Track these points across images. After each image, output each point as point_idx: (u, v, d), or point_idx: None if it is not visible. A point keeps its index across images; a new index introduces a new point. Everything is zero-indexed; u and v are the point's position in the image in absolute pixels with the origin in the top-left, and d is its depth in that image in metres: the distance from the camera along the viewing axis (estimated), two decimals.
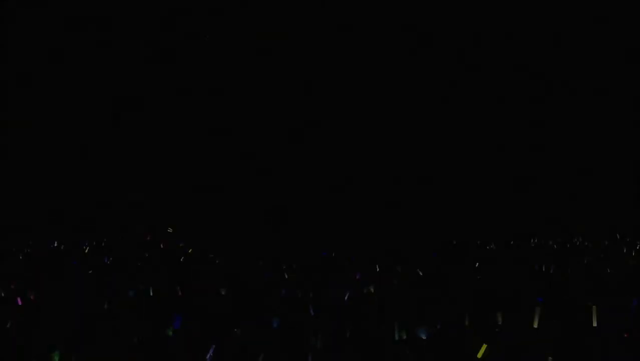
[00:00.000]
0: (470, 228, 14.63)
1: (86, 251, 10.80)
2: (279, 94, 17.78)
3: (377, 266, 8.78)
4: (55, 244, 12.32)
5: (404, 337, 4.66)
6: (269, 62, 17.52)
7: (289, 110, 17.76)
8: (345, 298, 6.18)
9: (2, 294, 6.35)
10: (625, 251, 10.79)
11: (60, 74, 16.83)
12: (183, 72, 17.56)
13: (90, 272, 8.37)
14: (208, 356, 4.25)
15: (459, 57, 17.19)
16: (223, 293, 6.54)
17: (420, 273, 8.25)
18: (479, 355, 4.30)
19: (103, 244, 12.77)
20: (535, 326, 4.74)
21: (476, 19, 16.88)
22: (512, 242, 12.65)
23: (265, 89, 17.76)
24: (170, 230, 14.26)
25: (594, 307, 4.81)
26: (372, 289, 6.59)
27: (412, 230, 14.59)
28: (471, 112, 17.55)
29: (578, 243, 12.35)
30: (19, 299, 5.20)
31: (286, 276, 7.72)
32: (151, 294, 6.57)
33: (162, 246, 12.57)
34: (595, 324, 4.78)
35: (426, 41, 17.04)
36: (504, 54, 17.08)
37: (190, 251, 11.46)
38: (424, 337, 4.57)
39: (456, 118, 17.59)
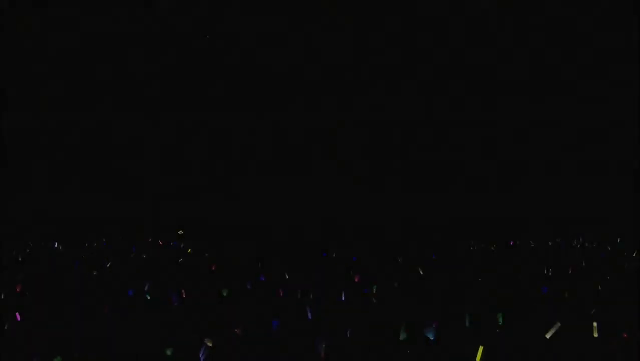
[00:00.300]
0: (470, 228, 14.63)
1: (85, 255, 10.76)
2: (277, 94, 17.79)
3: (377, 267, 8.78)
4: (55, 245, 12.30)
5: (405, 337, 4.66)
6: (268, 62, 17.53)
7: (286, 110, 17.76)
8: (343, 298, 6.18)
9: (2, 297, 6.34)
10: (625, 253, 10.78)
11: (63, 73, 16.84)
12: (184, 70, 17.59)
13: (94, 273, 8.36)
14: (201, 354, 4.24)
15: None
16: (224, 294, 6.54)
17: (421, 272, 8.26)
18: (478, 359, 4.32)
19: (104, 243, 12.76)
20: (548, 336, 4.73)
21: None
22: (511, 243, 12.64)
23: (264, 89, 17.76)
24: (180, 232, 14.25)
25: (595, 324, 4.81)
26: (373, 290, 6.58)
27: (411, 230, 14.58)
28: (469, 110, 17.52)
29: (579, 246, 12.33)
30: (17, 315, 5.16)
31: (287, 277, 7.70)
32: (149, 296, 6.56)
33: (160, 242, 12.52)
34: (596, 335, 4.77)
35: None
36: (501, 50, 17.07)
37: (189, 251, 11.44)
38: (431, 338, 4.56)
39: (455, 116, 17.56)
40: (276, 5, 17.21)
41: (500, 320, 5.19)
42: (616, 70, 16.55)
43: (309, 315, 5.36)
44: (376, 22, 17.26)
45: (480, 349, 4.33)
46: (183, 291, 6.43)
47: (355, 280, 7.38)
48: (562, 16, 16.53)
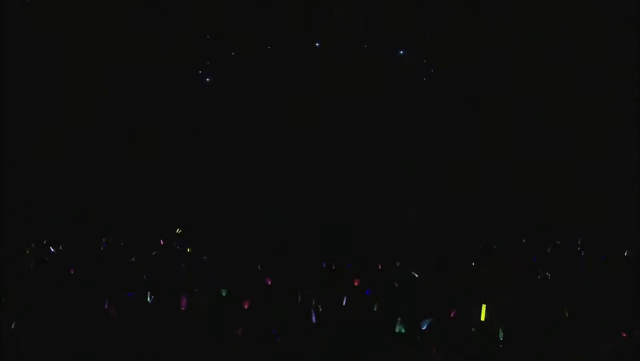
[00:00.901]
0: (469, 229, 14.64)
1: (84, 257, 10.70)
2: (276, 95, 17.78)
3: (377, 268, 8.79)
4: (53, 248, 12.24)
5: (403, 331, 4.68)
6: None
7: (284, 111, 17.75)
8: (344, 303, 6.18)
9: (3, 300, 6.34)
10: (626, 254, 10.80)
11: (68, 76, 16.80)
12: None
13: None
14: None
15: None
16: (224, 294, 6.55)
17: (416, 275, 8.25)
18: (482, 318, 4.42)
19: (104, 242, 12.70)
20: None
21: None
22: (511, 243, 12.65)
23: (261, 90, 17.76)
24: (179, 231, 14.22)
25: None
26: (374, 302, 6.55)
27: (410, 230, 14.56)
28: (475, 110, 17.48)
29: (580, 248, 12.33)
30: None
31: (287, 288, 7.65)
32: (150, 297, 6.57)
33: (161, 242, 12.45)
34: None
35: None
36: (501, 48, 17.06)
37: (189, 250, 11.41)
38: (424, 328, 4.59)
39: (456, 116, 17.54)
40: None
41: (501, 336, 5.09)
42: (617, 70, 16.51)
43: (313, 318, 5.38)
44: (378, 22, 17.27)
45: (484, 307, 4.41)
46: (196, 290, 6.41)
47: (356, 284, 7.36)
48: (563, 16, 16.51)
